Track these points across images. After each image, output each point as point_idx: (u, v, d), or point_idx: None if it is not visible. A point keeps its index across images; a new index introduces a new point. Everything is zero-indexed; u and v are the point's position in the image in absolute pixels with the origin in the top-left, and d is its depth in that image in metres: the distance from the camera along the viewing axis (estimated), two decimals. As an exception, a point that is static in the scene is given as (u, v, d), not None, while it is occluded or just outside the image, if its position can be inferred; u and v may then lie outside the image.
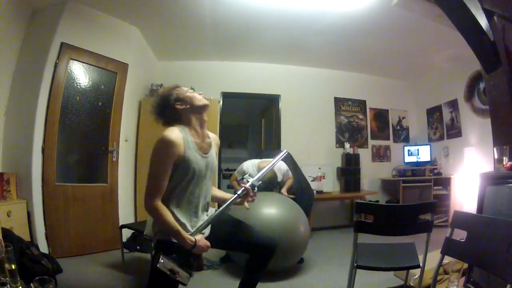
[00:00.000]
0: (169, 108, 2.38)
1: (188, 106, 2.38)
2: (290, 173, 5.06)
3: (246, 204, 2.50)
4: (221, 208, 2.35)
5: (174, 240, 2.15)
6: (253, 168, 4.86)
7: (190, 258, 2.22)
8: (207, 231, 2.35)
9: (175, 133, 2.18)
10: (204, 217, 2.39)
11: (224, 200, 2.55)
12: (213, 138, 2.57)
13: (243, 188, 2.46)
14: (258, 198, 3.97)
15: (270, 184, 4.80)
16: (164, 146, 2.12)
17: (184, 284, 2.09)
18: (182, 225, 2.20)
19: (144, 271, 2.27)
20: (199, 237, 2.20)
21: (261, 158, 5.21)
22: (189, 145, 2.24)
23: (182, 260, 2.12)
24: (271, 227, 3.62)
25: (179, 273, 2.05)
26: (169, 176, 2.18)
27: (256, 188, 2.52)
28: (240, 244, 2.56)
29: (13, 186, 4.06)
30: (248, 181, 2.51)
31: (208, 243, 2.25)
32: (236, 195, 2.43)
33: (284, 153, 2.83)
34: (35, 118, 4.20)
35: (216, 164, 2.57)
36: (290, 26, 5.40)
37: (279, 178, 4.93)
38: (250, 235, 2.54)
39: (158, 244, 2.25)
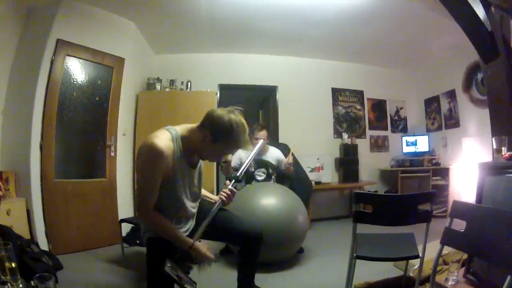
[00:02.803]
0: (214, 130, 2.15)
1: (218, 144, 2.18)
2: (284, 158, 4.97)
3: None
4: (210, 216, 2.35)
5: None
6: (244, 152, 4.82)
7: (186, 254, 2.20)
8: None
9: (164, 142, 2.05)
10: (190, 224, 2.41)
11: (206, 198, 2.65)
12: None
13: (227, 194, 2.50)
14: (257, 188, 3.98)
15: (266, 176, 4.78)
16: (153, 157, 2.01)
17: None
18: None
19: (144, 265, 2.26)
20: (198, 244, 2.19)
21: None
22: (178, 155, 2.13)
23: (181, 256, 2.11)
24: (270, 217, 3.65)
25: (184, 279, 2.02)
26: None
27: (241, 181, 2.56)
28: (226, 233, 2.55)
29: (12, 185, 4.07)
30: (230, 183, 2.57)
31: (207, 251, 2.23)
32: (220, 201, 2.47)
33: (260, 144, 2.96)
34: (32, 116, 4.19)
35: (202, 173, 2.54)
36: (286, 17, 5.37)
37: (274, 162, 4.86)
38: (234, 224, 2.53)
39: (148, 242, 2.23)
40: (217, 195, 2.62)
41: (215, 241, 2.83)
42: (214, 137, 2.14)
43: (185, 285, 2.00)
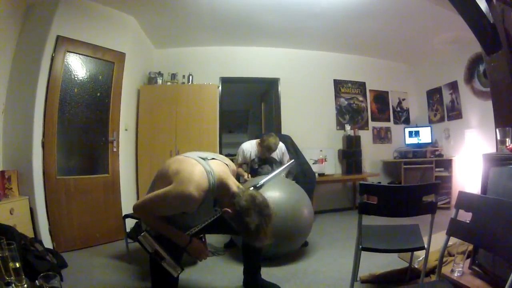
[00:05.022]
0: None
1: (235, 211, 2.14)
2: (287, 154, 4.97)
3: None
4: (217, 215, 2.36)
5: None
6: (252, 149, 4.80)
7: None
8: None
9: (200, 192, 2.05)
10: None
11: None
12: None
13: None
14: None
15: (270, 167, 4.77)
16: (183, 201, 2.03)
17: (173, 275, 2.07)
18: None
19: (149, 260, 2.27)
20: (196, 240, 2.21)
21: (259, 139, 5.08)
22: (207, 202, 2.17)
23: (174, 250, 2.11)
24: (276, 211, 3.62)
25: (167, 261, 2.02)
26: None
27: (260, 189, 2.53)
28: (229, 225, 2.55)
29: (15, 183, 4.05)
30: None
31: (204, 249, 2.26)
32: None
33: (291, 163, 3.16)
34: (33, 113, 4.18)
35: None
36: (288, 9, 5.33)
37: (278, 158, 4.86)
38: None
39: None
40: None
41: (219, 234, 2.82)
42: (238, 217, 2.14)
43: (163, 264, 2.02)
